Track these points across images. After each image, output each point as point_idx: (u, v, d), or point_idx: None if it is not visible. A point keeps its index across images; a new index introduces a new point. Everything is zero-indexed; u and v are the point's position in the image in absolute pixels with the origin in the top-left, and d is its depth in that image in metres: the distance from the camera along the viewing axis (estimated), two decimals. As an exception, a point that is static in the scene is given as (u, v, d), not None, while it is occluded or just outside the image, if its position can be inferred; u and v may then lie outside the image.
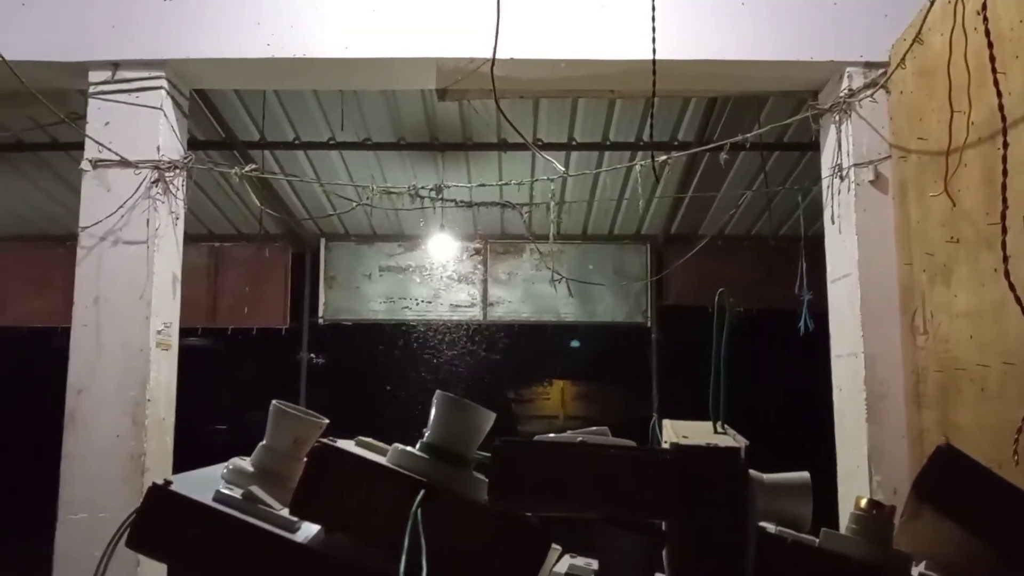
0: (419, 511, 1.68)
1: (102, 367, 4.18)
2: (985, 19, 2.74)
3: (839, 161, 4.27)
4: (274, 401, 2.13)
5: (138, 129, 4.37)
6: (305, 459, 1.89)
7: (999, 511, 1.74)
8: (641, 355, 8.76)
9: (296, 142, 6.61)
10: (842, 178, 4.25)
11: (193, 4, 4.44)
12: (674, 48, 4.15)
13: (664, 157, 4.72)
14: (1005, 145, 2.64)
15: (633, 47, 4.19)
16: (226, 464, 2.07)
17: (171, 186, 4.40)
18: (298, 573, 1.75)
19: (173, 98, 4.50)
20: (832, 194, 4.36)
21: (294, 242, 8.66)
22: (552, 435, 1.97)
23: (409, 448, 1.94)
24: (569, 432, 1.96)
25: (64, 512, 4.07)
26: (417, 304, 8.70)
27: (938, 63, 3.44)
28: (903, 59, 3.89)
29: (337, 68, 4.49)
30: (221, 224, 8.24)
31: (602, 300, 8.65)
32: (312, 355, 9.05)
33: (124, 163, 4.33)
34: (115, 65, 4.40)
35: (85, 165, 4.35)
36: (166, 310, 4.40)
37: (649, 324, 8.70)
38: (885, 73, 4.13)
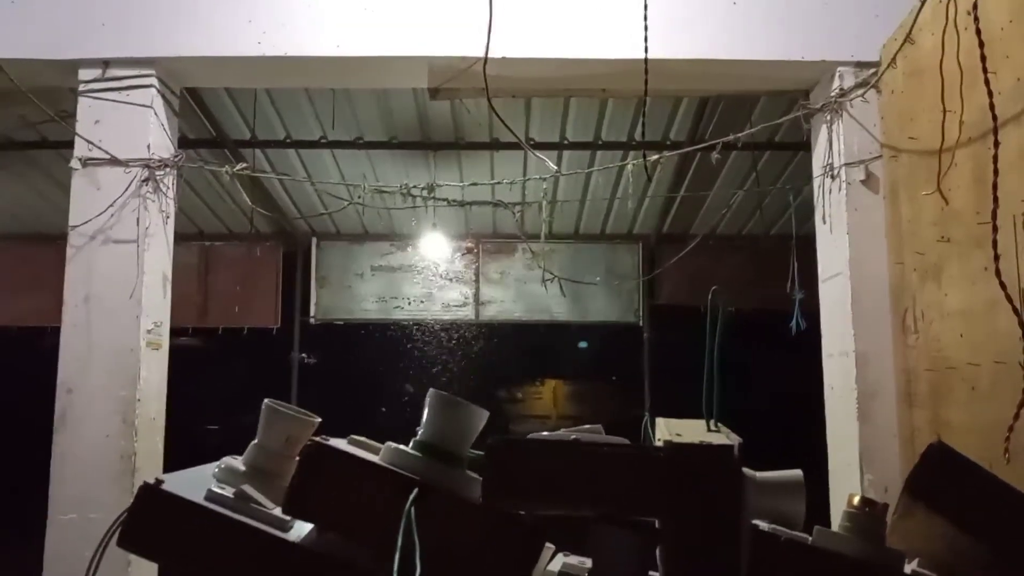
0: (412, 510, 1.67)
1: (92, 367, 4.16)
2: (976, 19, 2.75)
3: (830, 161, 4.28)
4: (266, 399, 2.12)
5: (128, 127, 4.35)
6: (297, 458, 1.88)
7: (991, 508, 1.75)
8: (633, 354, 8.77)
9: (287, 141, 6.59)
10: (833, 177, 4.26)
11: (184, 2, 4.42)
12: (666, 47, 4.15)
13: (656, 156, 4.73)
14: (996, 144, 2.65)
15: (625, 46, 4.20)
16: (218, 463, 2.06)
17: (161, 185, 4.39)
18: (291, 572, 1.74)
19: (164, 96, 4.48)
20: (823, 193, 4.37)
21: (285, 241, 8.63)
22: (546, 433, 1.97)
23: (402, 446, 1.93)
24: (562, 430, 1.96)
25: (54, 512, 4.05)
26: (409, 304, 8.68)
27: (929, 63, 3.45)
28: (894, 59, 3.90)
29: (329, 66, 4.47)
30: (212, 223, 8.21)
31: (594, 299, 8.66)
32: (304, 355, 9.02)
33: (114, 161, 4.31)
34: (105, 63, 4.38)
35: (75, 164, 4.32)
36: (156, 309, 4.38)
37: (641, 323, 8.72)
38: (876, 73, 4.14)
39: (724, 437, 2.10)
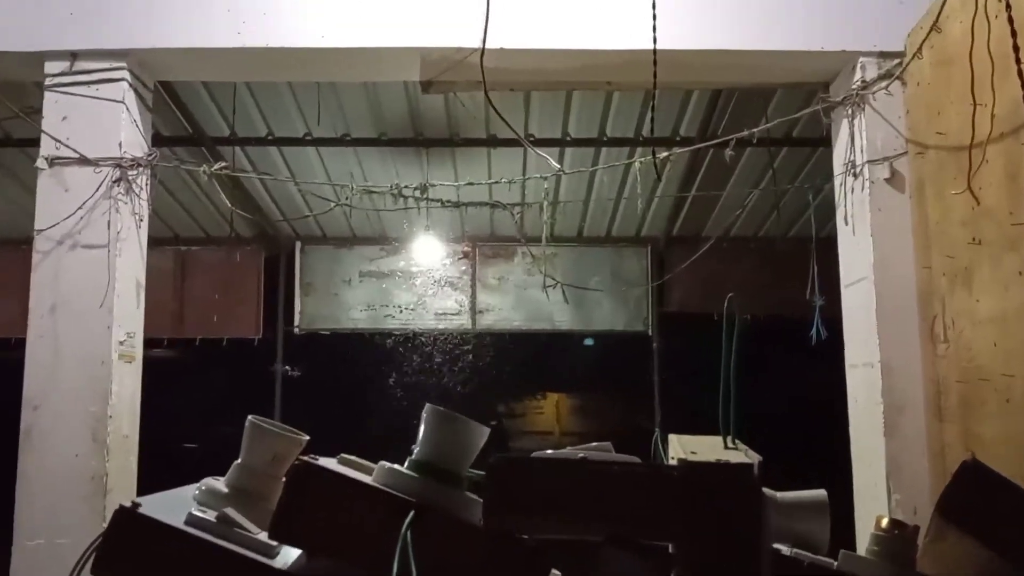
0: (409, 533, 1.67)
1: (60, 381, 4.15)
2: (1008, 5, 2.77)
3: (852, 157, 4.29)
4: (250, 416, 2.12)
5: (98, 124, 4.35)
6: (284, 479, 1.88)
7: (1029, 530, 1.75)
8: (642, 365, 8.77)
9: (269, 138, 6.59)
10: (855, 175, 4.27)
11: (159, -11, 4.43)
12: (676, 37, 4.16)
13: (665, 154, 4.73)
14: (1030, 139, 2.66)
15: (632, 36, 4.20)
16: (198, 484, 2.06)
17: (134, 185, 4.38)
18: (277, 602, 1.74)
19: (136, 91, 4.48)
20: (845, 193, 4.37)
21: (267, 245, 8.63)
22: (550, 451, 1.97)
23: (396, 466, 1.93)
24: (569, 448, 1.96)
25: (20, 537, 4.03)
26: (400, 312, 8.68)
27: (957, 52, 3.46)
28: (920, 48, 3.92)
29: (314, 58, 4.48)
30: (188, 226, 8.21)
31: (599, 307, 8.66)
32: (287, 367, 9.02)
33: (83, 161, 4.31)
34: (73, 55, 4.38)
35: (41, 163, 4.32)
36: (129, 319, 4.37)
37: (650, 332, 8.72)
38: (901, 64, 4.15)
39: (743, 455, 2.10)
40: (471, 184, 5.65)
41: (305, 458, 1.86)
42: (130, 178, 4.36)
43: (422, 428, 1.97)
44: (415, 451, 1.95)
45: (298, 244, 8.73)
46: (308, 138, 6.59)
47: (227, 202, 5.17)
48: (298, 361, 9.28)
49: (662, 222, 8.33)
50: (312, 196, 7.05)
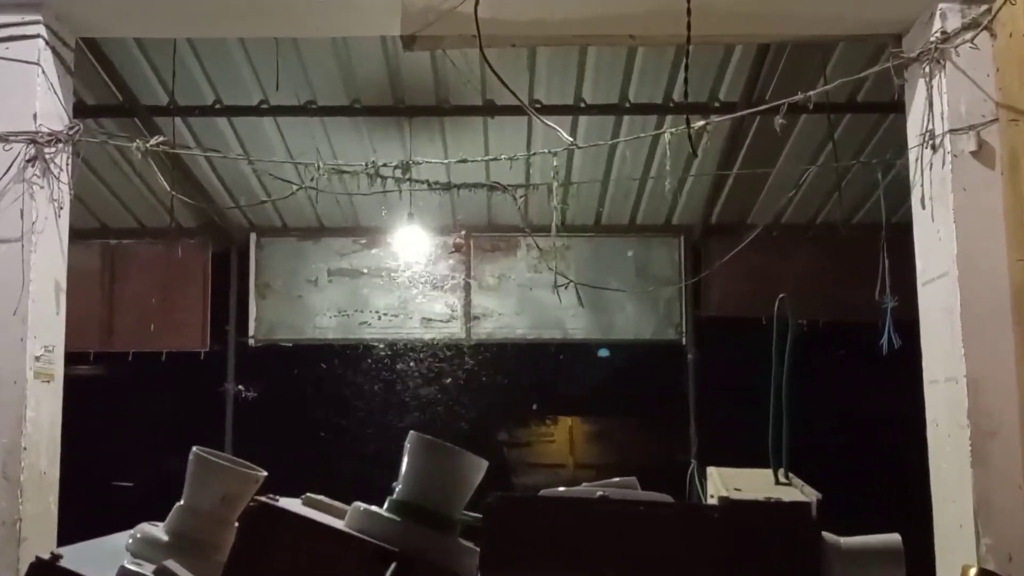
0: (389, 590, 1.68)
1: (-37, 406, 4.16)
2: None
3: (930, 126, 4.29)
4: (195, 448, 2.13)
5: (7, 91, 4.36)
6: (237, 523, 1.88)
7: None
8: (674, 383, 8.77)
9: (217, 107, 6.61)
10: (934, 148, 4.26)
11: (81, -74, 4.44)
12: (714, -20, 4.16)
13: (702, 123, 4.73)
14: None
15: (660, -21, 4.20)
16: (132, 531, 2.07)
17: (52, 165, 4.39)
18: (229, 675, 1.75)
19: (54, 49, 4.49)
20: (922, 169, 4.37)
21: (215, 238, 8.65)
22: (562, 489, 1.98)
23: (374, 508, 1.94)
24: (585, 485, 1.96)
25: (-86, 598, 4.04)
26: (379, 318, 8.69)
27: (1059, -3, 3.45)
28: (1013, -8, 3.91)
29: (271, 8, 4.48)
30: (119, 216, 8.22)
31: (622, 311, 8.66)
32: (241, 387, 9.01)
33: (-10, 136, 4.32)
34: (-24, 6, 4.39)
35: (-62, 139, 4.33)
36: (47, 330, 4.37)
37: (684, 342, 8.72)
38: (989, 10, 4.15)
39: (797, 492, 2.10)
40: (464, 161, 5.66)
41: (263, 498, 1.87)
42: (47, 157, 4.36)
43: (405, 461, 1.97)
44: (397, 489, 1.95)
45: (253, 236, 8.74)
46: (264, 106, 6.60)
47: (166, 185, 5.18)
48: (253, 380, 9.26)
49: (698, 207, 8.33)
50: (270, 177, 7.04)
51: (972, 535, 3.95)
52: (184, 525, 2.04)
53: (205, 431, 8.64)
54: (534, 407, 11.33)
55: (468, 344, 9.01)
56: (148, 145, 4.79)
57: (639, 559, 1.69)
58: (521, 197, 6.21)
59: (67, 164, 4.46)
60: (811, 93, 4.77)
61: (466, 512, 1.96)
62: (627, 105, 6.61)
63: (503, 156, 5.86)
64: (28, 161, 4.33)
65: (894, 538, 1.91)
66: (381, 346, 9.20)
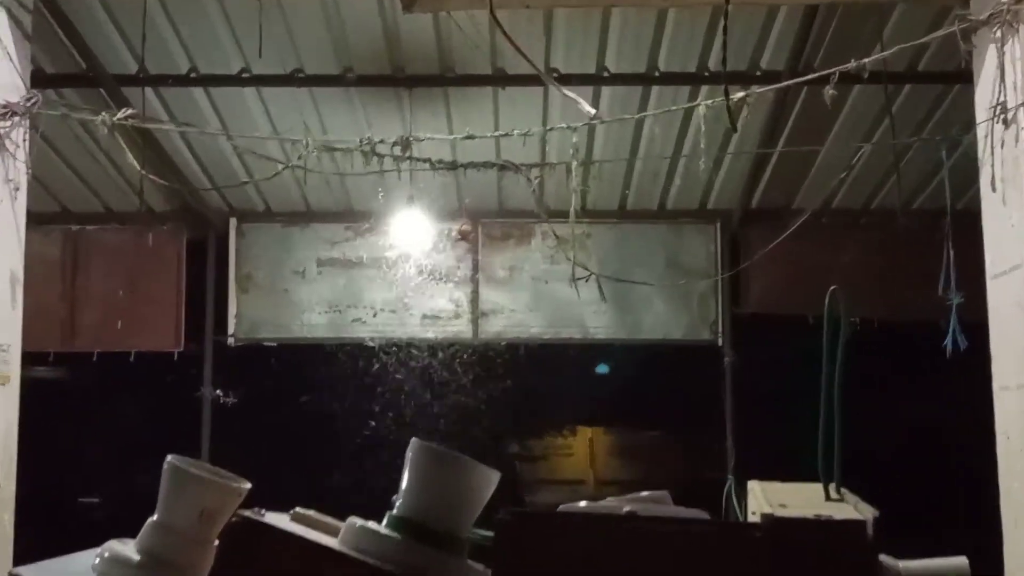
0: (389, 616, 1.69)
1: (-91, 410, 4.19)
2: None
3: (1002, 98, 4.27)
4: (170, 457, 2.13)
5: (-40, 57, 4.39)
6: (217, 541, 1.89)
7: None
8: (709, 388, 8.76)
9: (192, 76, 6.61)
10: (1007, 123, 4.25)
11: None
12: (756, -69, 4.16)
13: (741, 94, 4.72)
14: None
15: (695, -70, 4.20)
16: (99, 550, 2.07)
17: (7, 141, 4.41)
18: None
19: (9, 11, 4.50)
20: (992, 147, 4.36)
21: (191, 224, 8.66)
22: (584, 503, 1.98)
23: (371, 524, 1.94)
24: (611, 499, 1.96)
25: None
26: (374, 315, 8.69)
27: None
28: (1097, -55, 3.90)
29: (255, -36, 4.49)
30: (83, 198, 8.24)
31: (650, 307, 8.65)
32: (219, 391, 9.03)
33: (-61, 107, 4.35)
34: (-76, -38, 4.42)
35: None
36: (2, 327, 4.40)
37: (720, 342, 8.70)
38: (1070, -34, 4.14)
39: (851, 508, 2.10)
40: (471, 138, 5.66)
41: (247, 513, 1.87)
42: (1, 132, 4.38)
43: (407, 473, 1.97)
44: (397, 504, 1.95)
45: (233, 222, 8.74)
46: (246, 75, 6.61)
47: (135, 164, 5.20)
48: (233, 384, 9.27)
49: (736, 190, 8.31)
50: (252, 155, 7.06)
51: (1047, 561, 3.95)
52: (157, 543, 2.05)
53: (179, 441, 8.63)
54: (550, 416, 11.35)
55: (476, 344, 9.02)
56: (115, 119, 4.80)
57: (671, 582, 1.69)
58: (536, 178, 6.21)
59: (24, 140, 4.48)
60: (865, 61, 4.77)
61: (475, 530, 1.96)
62: (656, 74, 6.60)
63: (515, 132, 5.87)
64: (-19, 136, 4.35)
65: (961, 562, 1.91)
66: (376, 346, 9.21)
